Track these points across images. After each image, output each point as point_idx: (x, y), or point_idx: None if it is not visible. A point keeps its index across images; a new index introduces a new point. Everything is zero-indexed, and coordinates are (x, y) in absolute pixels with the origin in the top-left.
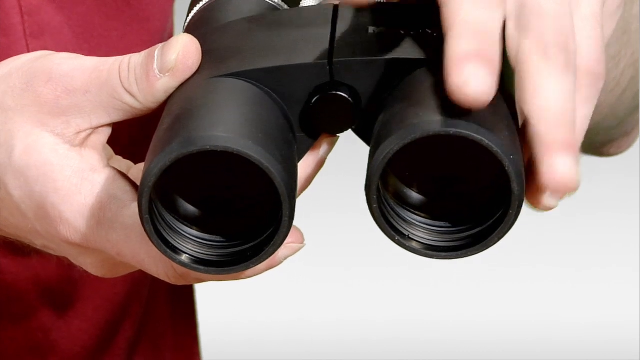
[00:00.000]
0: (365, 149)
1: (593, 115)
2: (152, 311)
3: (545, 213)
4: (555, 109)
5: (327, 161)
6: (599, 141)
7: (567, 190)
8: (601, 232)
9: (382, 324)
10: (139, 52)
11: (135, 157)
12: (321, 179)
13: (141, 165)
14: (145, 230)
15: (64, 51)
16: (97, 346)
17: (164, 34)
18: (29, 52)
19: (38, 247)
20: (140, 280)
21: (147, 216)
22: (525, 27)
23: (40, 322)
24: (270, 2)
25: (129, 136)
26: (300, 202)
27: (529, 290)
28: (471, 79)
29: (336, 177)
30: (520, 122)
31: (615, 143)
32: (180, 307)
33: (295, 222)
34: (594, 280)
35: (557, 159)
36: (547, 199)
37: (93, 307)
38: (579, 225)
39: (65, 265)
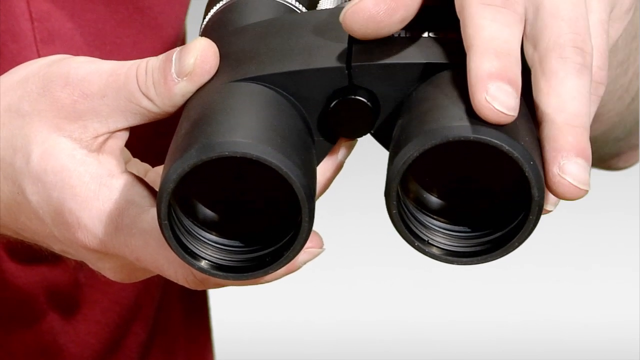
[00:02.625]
0: (379, 149)
1: (601, 125)
2: (165, 314)
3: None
4: (569, 111)
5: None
6: (606, 153)
7: (574, 196)
8: (601, 232)
9: (395, 325)
10: None
11: (150, 157)
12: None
13: (158, 169)
14: (164, 236)
15: None
16: (106, 349)
17: (177, 42)
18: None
19: (56, 252)
20: (152, 283)
21: (165, 222)
22: (542, 29)
23: (49, 326)
24: (287, 4)
25: (143, 136)
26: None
27: (529, 290)
28: (496, 97)
29: (347, 178)
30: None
31: (623, 156)
32: (193, 309)
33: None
34: (594, 280)
35: (567, 164)
36: (548, 204)
37: (101, 310)
38: (578, 225)
39: (72, 269)
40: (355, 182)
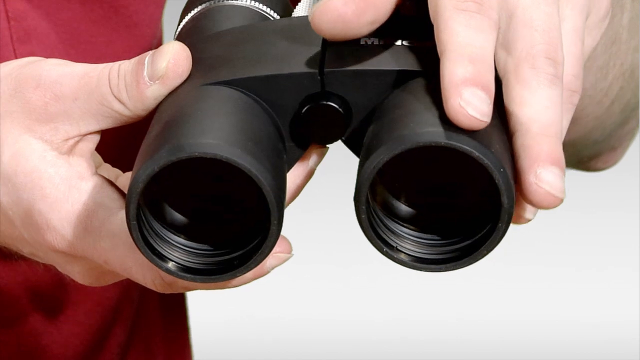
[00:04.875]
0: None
1: (580, 128)
2: (144, 314)
3: (543, 211)
4: (542, 121)
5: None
6: (585, 155)
7: (551, 205)
8: (601, 232)
9: (371, 323)
10: (127, 58)
11: (121, 163)
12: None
13: (129, 174)
14: (132, 237)
15: (51, 57)
16: (88, 350)
17: (153, 41)
18: (16, 57)
19: (26, 255)
20: (131, 284)
21: (134, 222)
22: (514, 39)
23: (31, 327)
24: (261, 12)
25: (115, 142)
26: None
27: (528, 290)
28: (470, 102)
29: (327, 174)
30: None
31: (602, 158)
32: (171, 310)
33: (285, 222)
34: (594, 280)
35: (543, 172)
36: (527, 212)
37: (84, 311)
38: (578, 225)
39: (54, 270)
40: (328, 175)
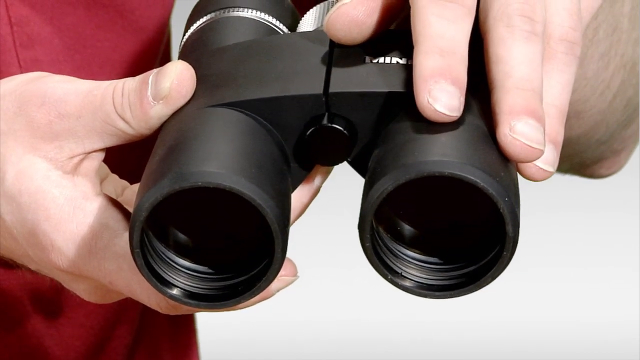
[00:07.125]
0: None
1: (584, 123)
2: (150, 316)
3: (543, 212)
4: (517, 75)
5: None
6: (589, 158)
7: (530, 157)
8: (601, 232)
9: (377, 324)
10: (134, 63)
11: (125, 171)
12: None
13: (136, 187)
14: (136, 264)
15: (55, 62)
16: (91, 352)
17: (160, 46)
18: (19, 63)
19: (31, 269)
20: None
21: (138, 250)
22: (492, 1)
23: (33, 329)
24: (268, 24)
25: (118, 150)
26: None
27: (529, 290)
28: (439, 96)
29: (334, 178)
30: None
31: (606, 162)
32: None
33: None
34: (594, 280)
35: (518, 124)
36: (546, 164)
37: (85, 313)
38: (578, 225)
39: None
40: (334, 179)
